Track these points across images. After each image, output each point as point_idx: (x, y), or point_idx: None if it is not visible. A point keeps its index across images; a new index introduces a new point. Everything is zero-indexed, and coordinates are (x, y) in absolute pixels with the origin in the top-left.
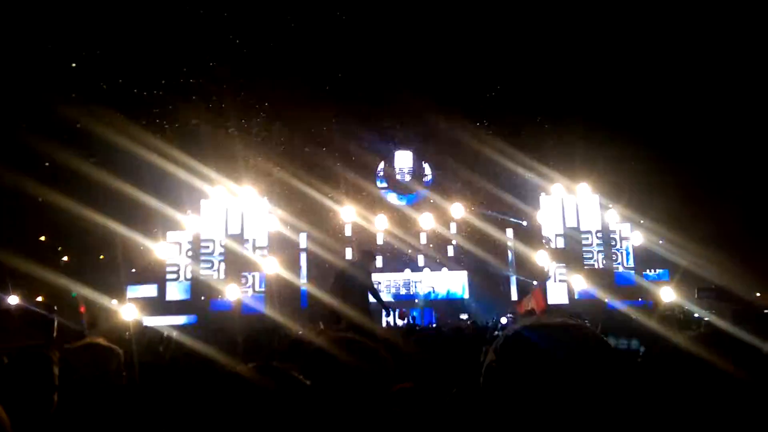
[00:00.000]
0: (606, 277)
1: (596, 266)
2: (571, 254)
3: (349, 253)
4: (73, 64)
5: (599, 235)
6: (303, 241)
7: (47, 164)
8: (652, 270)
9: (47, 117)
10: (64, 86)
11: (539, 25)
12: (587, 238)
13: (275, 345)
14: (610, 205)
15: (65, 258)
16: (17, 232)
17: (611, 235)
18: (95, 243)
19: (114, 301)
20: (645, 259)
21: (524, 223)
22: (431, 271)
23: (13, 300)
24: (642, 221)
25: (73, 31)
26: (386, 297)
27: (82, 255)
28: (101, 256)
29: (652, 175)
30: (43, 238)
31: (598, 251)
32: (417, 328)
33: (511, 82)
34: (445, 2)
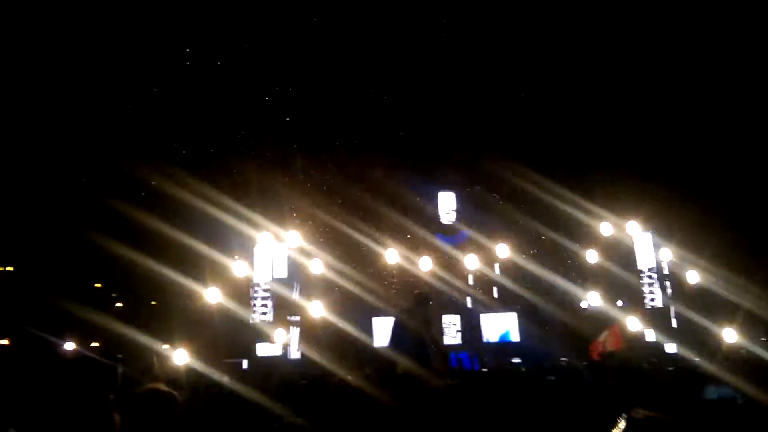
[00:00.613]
0: (662, 318)
1: (652, 306)
2: (625, 293)
3: (393, 296)
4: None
5: (653, 273)
6: (348, 284)
7: (104, 213)
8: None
9: (103, 170)
10: (123, 143)
11: (586, 67)
12: (641, 277)
13: (324, 390)
14: (664, 244)
15: (119, 304)
16: (73, 278)
17: (666, 274)
18: (148, 289)
19: (166, 347)
20: (702, 299)
21: (569, 262)
22: (479, 313)
23: (69, 346)
24: (698, 260)
25: (130, 90)
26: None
27: (136, 301)
28: (153, 302)
29: (708, 213)
30: (98, 285)
31: (652, 290)
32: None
33: (556, 119)
34: (488, 44)
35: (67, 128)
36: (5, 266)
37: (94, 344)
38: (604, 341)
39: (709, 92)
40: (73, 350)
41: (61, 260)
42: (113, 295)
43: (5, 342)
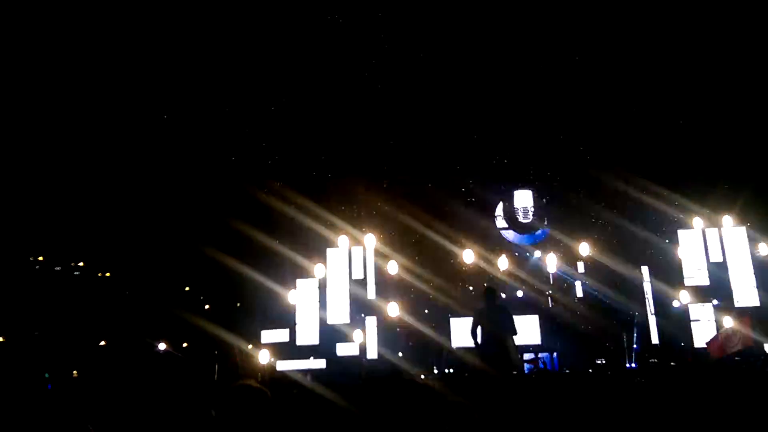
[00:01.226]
0: (759, 316)
1: (750, 305)
2: (718, 292)
3: (470, 297)
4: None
5: (751, 270)
6: (424, 285)
7: (191, 219)
8: None
9: (192, 177)
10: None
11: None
12: (736, 274)
13: (398, 389)
14: (761, 239)
15: (207, 306)
16: (165, 283)
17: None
18: (233, 291)
19: (250, 346)
20: None
21: (660, 258)
22: (558, 313)
23: (162, 346)
24: None
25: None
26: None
27: (221, 303)
28: (238, 304)
29: None
30: (187, 289)
31: (752, 288)
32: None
33: (641, 109)
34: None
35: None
36: (104, 272)
37: (185, 345)
38: (732, 337)
39: None
40: (165, 350)
41: (153, 265)
42: (201, 297)
43: (102, 343)
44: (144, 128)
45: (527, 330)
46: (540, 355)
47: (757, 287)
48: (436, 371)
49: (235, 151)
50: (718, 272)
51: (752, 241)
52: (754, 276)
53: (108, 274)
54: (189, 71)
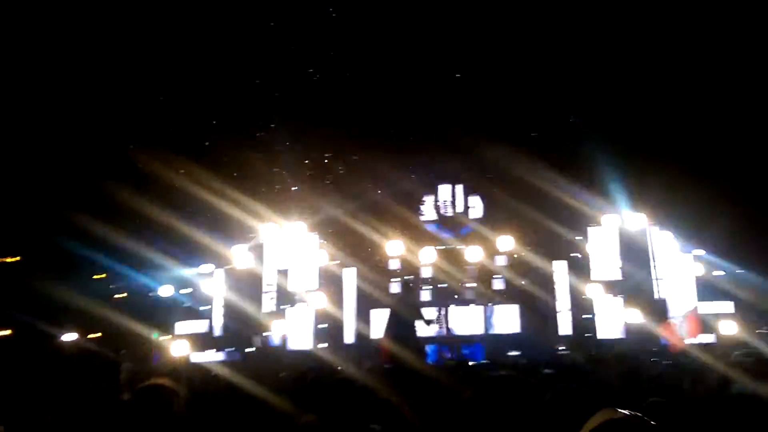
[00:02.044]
0: (662, 310)
1: (652, 299)
2: (626, 287)
3: (394, 288)
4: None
5: (655, 266)
6: (349, 276)
7: (105, 203)
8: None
9: (105, 158)
10: (126, 129)
11: (589, 51)
12: (644, 270)
13: (325, 383)
14: (669, 236)
15: (120, 295)
16: (73, 269)
17: (669, 267)
18: (147, 280)
19: (165, 337)
20: (705, 291)
21: (578, 255)
22: (479, 305)
23: (70, 336)
24: (702, 251)
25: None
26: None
27: (135, 292)
28: (151, 293)
29: (713, 202)
30: (97, 276)
31: (655, 283)
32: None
33: (560, 109)
34: (493, 31)
35: (64, 116)
36: (11, 256)
37: (94, 335)
38: (680, 328)
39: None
40: (74, 341)
41: (63, 251)
42: (112, 286)
43: (7, 332)
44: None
45: (462, 321)
46: (462, 346)
47: (659, 284)
48: (360, 363)
49: (154, 131)
50: (630, 268)
51: (659, 239)
52: (657, 272)
53: (16, 259)
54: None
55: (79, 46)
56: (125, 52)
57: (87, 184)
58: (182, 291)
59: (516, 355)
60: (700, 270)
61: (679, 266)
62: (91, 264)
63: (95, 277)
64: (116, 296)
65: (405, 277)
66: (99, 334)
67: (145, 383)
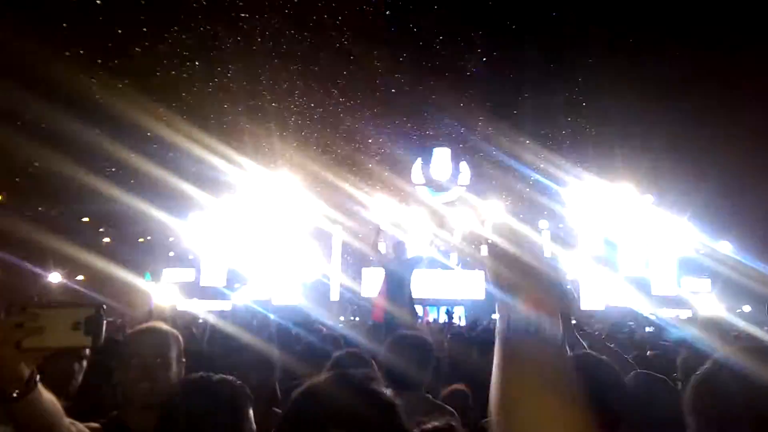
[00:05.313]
0: (643, 284)
1: (633, 272)
2: (607, 258)
3: (383, 248)
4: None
5: (638, 239)
6: (337, 233)
7: (92, 150)
8: (693, 278)
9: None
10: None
11: (576, 22)
12: (625, 243)
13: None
14: (655, 209)
15: (107, 239)
16: (61, 213)
17: (652, 240)
18: (136, 225)
19: (152, 284)
20: (686, 267)
21: (560, 225)
22: (464, 269)
23: (55, 278)
24: (686, 224)
25: None
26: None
27: (123, 237)
28: (141, 239)
29: (700, 175)
30: (86, 220)
31: (636, 256)
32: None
33: (547, 79)
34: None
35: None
36: None
37: (80, 277)
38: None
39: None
40: (59, 283)
41: (51, 193)
42: (101, 229)
43: None
44: None
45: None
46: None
47: (640, 257)
48: (342, 318)
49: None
50: (609, 239)
51: (644, 212)
52: (639, 245)
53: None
54: None
55: None
56: None
57: (75, 129)
58: (171, 239)
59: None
60: (683, 245)
61: (663, 239)
62: (79, 207)
63: (83, 220)
64: (104, 240)
65: (396, 238)
66: (84, 277)
67: (144, 326)
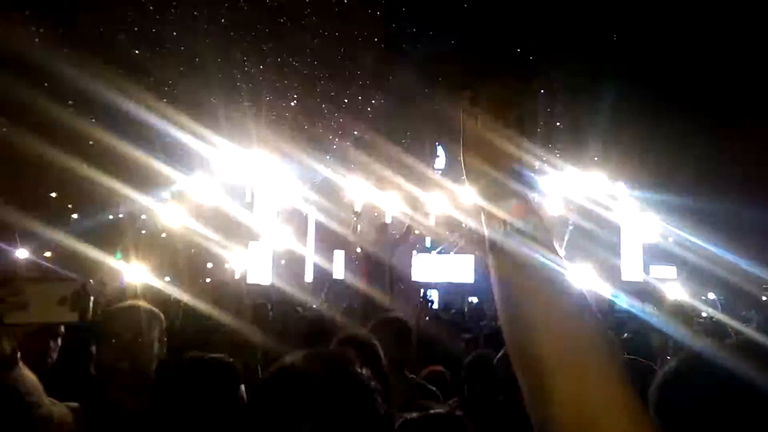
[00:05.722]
0: (612, 271)
1: (601, 258)
2: (575, 244)
3: (363, 228)
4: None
5: (604, 224)
6: (312, 212)
7: (58, 123)
8: (660, 265)
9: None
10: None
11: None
12: (591, 228)
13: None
14: (623, 192)
15: (75, 215)
16: (27, 188)
17: (619, 226)
18: (105, 202)
19: (123, 262)
20: (653, 253)
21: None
22: (439, 253)
23: (22, 254)
24: (656, 211)
25: None
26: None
27: (91, 213)
28: (110, 216)
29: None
30: (54, 195)
31: (604, 242)
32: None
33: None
34: None
35: None
36: None
37: (47, 254)
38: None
39: None
40: (27, 259)
41: (16, 169)
42: (69, 205)
43: None
44: None
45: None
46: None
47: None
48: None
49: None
50: (577, 224)
51: (612, 196)
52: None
53: None
54: None
55: None
56: None
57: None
58: (143, 217)
59: (473, 302)
60: (651, 231)
61: (633, 226)
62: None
63: (51, 194)
64: (72, 216)
65: (377, 221)
66: (51, 254)
67: (124, 304)
